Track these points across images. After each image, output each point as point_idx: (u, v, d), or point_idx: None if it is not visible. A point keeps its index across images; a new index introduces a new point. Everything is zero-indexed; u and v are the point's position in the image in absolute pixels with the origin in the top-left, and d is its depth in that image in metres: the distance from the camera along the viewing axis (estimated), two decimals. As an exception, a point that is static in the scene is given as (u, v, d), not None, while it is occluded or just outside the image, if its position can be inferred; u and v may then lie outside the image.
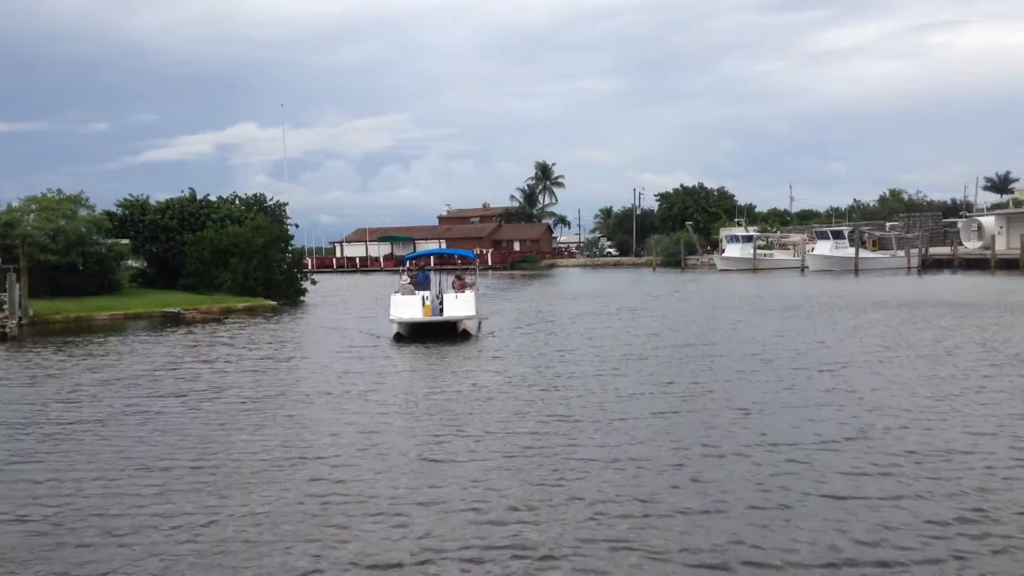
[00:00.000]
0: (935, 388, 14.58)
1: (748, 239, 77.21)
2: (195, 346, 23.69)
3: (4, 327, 26.79)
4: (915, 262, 64.98)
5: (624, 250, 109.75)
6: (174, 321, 31.90)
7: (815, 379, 15.72)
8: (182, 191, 49.09)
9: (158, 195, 49.60)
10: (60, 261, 36.45)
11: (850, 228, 74.29)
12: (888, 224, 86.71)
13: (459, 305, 24.33)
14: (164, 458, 10.82)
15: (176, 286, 43.56)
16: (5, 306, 28.17)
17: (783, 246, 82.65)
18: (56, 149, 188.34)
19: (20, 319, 27.46)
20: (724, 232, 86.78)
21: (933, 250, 69.61)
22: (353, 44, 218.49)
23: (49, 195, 39.31)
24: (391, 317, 24.28)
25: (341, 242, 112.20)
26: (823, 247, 70.03)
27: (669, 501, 8.63)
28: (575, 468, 9.87)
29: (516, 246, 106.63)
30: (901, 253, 69.41)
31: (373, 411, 13.64)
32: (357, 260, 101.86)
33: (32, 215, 38.04)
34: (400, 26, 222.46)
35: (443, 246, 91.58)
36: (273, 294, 40.58)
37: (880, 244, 76.86)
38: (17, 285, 27.92)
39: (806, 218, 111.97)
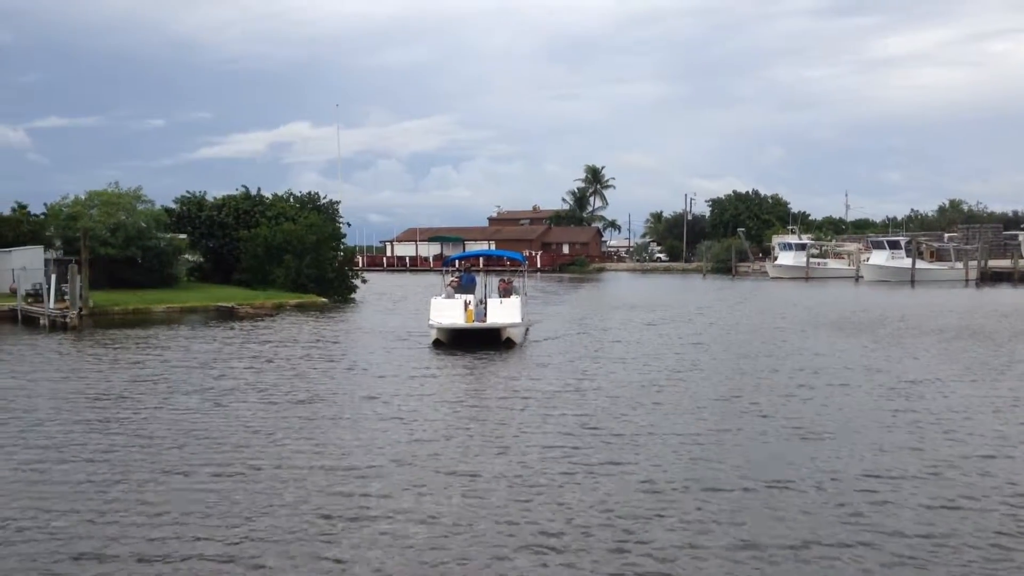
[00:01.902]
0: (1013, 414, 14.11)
1: (801, 247, 76.14)
2: (243, 343, 24.08)
3: (65, 317, 27.62)
4: (974, 275, 63.45)
5: (674, 255, 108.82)
6: (228, 315, 32.49)
7: (881, 401, 15.04)
8: (236, 188, 50.20)
9: (212, 191, 50.71)
10: (119, 254, 37.39)
11: (907, 238, 72.79)
12: (946, 235, 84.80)
13: (503, 311, 23.04)
14: (187, 461, 10.70)
15: (231, 281, 44.43)
16: (66, 297, 29.02)
17: (837, 255, 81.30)
18: (113, 144, 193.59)
19: (80, 310, 28.23)
20: (777, 239, 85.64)
21: (993, 263, 67.81)
22: (400, 46, 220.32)
23: (109, 190, 40.33)
24: (430, 322, 23.09)
25: (392, 241, 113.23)
26: (879, 257, 68.71)
27: (722, 534, 8.06)
28: (615, 491, 9.38)
29: (565, 249, 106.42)
30: (959, 265, 67.76)
31: (401, 422, 13.26)
32: (407, 259, 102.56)
33: (94, 209, 39.08)
34: (447, 29, 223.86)
35: (492, 247, 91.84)
36: (324, 291, 41.12)
37: (938, 255, 75.14)
38: (78, 277, 28.72)
39: (861, 227, 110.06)
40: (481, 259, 52.56)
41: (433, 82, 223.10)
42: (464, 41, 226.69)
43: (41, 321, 28.47)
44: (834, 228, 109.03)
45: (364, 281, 47.34)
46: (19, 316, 30.10)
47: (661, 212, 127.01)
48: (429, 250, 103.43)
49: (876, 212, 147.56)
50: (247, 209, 47.48)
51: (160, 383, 16.79)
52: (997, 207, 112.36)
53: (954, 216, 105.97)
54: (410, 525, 8.37)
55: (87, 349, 22.45)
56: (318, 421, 13.25)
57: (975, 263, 64.92)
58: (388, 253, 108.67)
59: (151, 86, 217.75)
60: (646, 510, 8.77)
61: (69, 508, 8.86)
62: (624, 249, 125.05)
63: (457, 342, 22.55)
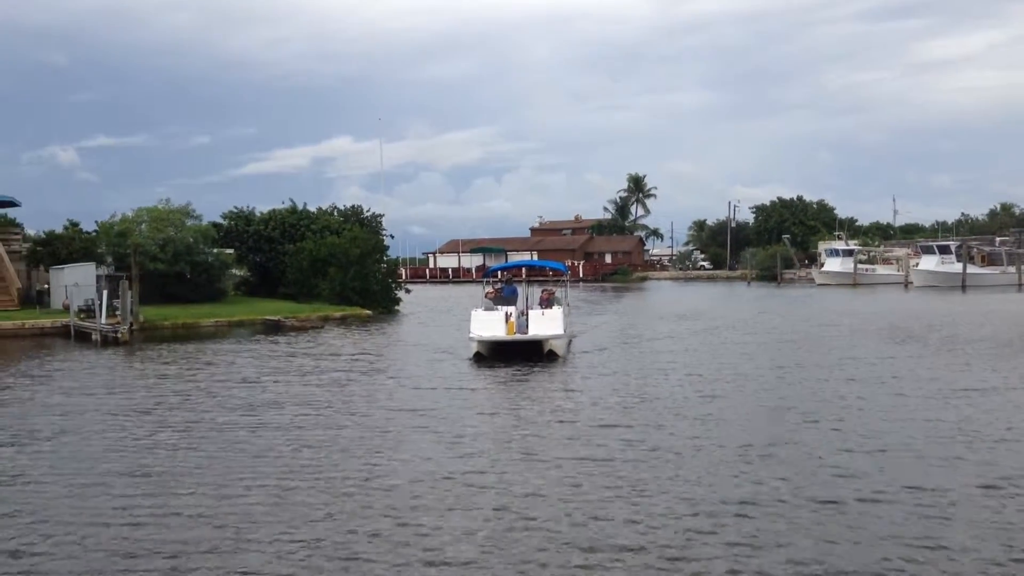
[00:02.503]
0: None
1: (849, 253, 75.19)
2: (288, 356, 24.30)
3: (116, 332, 28.16)
4: (1028, 279, 62.15)
5: (718, 263, 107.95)
6: (275, 329, 32.87)
7: (933, 412, 14.65)
8: (282, 202, 51.00)
9: (258, 206, 51.68)
10: (169, 269, 38.10)
11: (957, 243, 71.42)
12: (998, 239, 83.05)
13: (545, 323, 22.45)
14: (227, 477, 10.84)
15: (277, 294, 45.02)
16: (118, 312, 29.62)
17: (886, 260, 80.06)
18: (161, 162, 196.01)
19: (131, 324, 28.78)
20: (823, 246, 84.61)
21: (1048, 267, 66.24)
22: (442, 59, 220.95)
23: (160, 206, 41.17)
24: (470, 335, 22.58)
25: (434, 253, 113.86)
26: (928, 262, 67.52)
27: (769, 556, 7.74)
28: (658, 510, 9.17)
29: (608, 258, 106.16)
30: (1012, 269, 66.32)
31: (441, 436, 13.19)
32: (450, 271, 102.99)
33: (144, 225, 39.89)
34: (489, 41, 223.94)
35: (535, 258, 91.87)
36: (369, 303, 41.42)
37: (989, 260, 73.60)
38: (129, 292, 29.29)
39: (910, 232, 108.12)
40: (523, 269, 52.53)
41: (475, 94, 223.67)
42: (506, 53, 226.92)
43: (93, 336, 29.05)
44: (882, 233, 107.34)
45: (408, 292, 47.63)
46: (72, 332, 30.76)
47: (704, 220, 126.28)
48: (471, 261, 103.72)
49: (925, 217, 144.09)
50: (293, 223, 48.17)
51: (208, 397, 17.02)
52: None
53: (1006, 220, 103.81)
54: (450, 543, 8.31)
55: (137, 364, 22.87)
56: (359, 436, 13.29)
57: (1029, 268, 63.55)
58: (431, 265, 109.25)
59: (198, 104, 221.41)
60: (690, 530, 8.58)
61: (108, 524, 8.95)
62: (667, 257, 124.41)
63: (498, 355, 22.09)
